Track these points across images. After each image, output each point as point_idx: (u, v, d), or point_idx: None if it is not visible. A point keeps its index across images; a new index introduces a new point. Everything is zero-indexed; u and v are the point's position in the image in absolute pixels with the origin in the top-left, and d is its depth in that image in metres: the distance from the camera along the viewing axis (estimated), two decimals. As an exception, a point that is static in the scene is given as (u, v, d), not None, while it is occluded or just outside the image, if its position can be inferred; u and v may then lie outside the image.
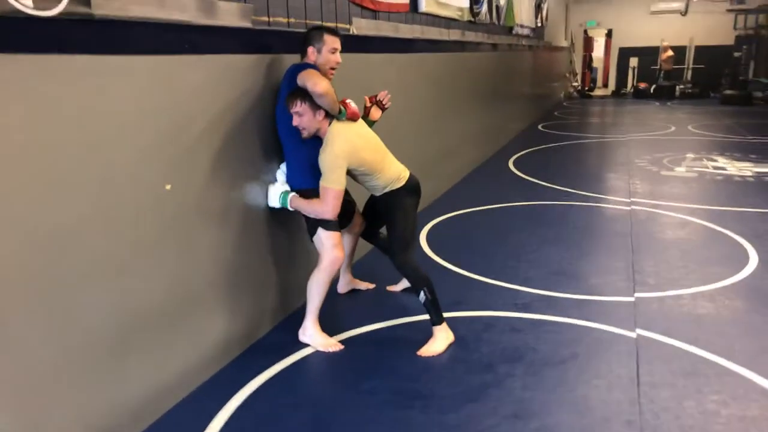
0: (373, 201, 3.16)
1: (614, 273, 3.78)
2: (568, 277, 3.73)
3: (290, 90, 2.69)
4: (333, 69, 2.85)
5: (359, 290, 3.56)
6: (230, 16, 2.66)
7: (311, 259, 3.06)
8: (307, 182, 2.84)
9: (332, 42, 2.80)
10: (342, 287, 3.52)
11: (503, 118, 9.04)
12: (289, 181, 2.91)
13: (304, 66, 2.73)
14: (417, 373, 2.67)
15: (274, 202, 2.88)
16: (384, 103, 3.16)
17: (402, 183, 2.95)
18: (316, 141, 2.77)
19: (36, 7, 1.75)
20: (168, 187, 2.33)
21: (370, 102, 3.15)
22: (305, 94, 2.65)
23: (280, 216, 3.06)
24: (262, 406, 2.44)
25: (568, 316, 3.18)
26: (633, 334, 2.96)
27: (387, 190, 2.94)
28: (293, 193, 2.86)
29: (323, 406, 2.47)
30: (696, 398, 2.44)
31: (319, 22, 3.46)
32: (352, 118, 2.81)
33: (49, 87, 1.83)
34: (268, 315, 3.10)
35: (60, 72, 1.86)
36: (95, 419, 2.07)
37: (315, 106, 2.66)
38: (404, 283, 3.50)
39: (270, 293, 3.11)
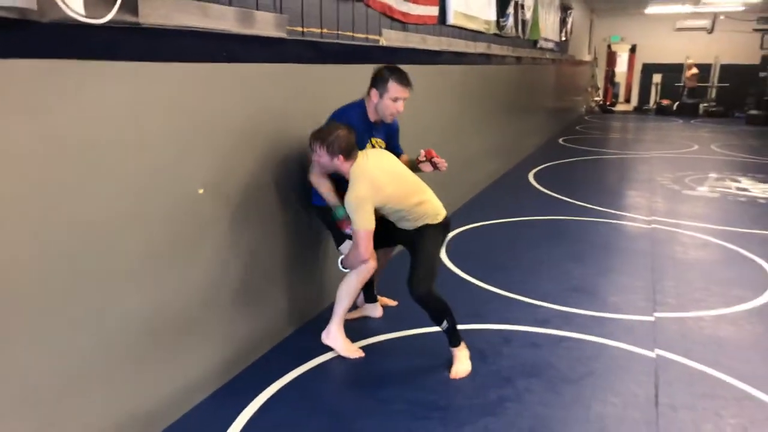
0: (394, 227, 2.91)
1: (634, 292, 3.78)
2: (587, 294, 3.73)
3: (318, 129, 2.73)
4: (392, 115, 2.86)
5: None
6: (266, 26, 2.72)
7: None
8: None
9: (396, 92, 2.78)
10: (362, 302, 3.49)
11: (525, 130, 9.04)
12: (314, 199, 2.97)
13: (342, 115, 2.84)
14: (435, 384, 2.70)
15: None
16: (439, 166, 3.02)
17: (439, 220, 2.84)
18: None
19: (87, 15, 1.82)
20: (201, 191, 2.39)
21: (426, 157, 3.02)
22: (325, 138, 2.66)
23: (311, 218, 3.11)
24: (280, 411, 2.49)
25: (587, 333, 3.19)
26: (652, 354, 2.96)
27: (420, 224, 2.81)
28: (341, 256, 2.88)
29: (340, 413, 2.51)
30: (714, 421, 2.44)
31: (350, 33, 3.52)
32: None
33: (97, 90, 1.91)
34: (293, 316, 3.16)
35: (107, 77, 1.93)
36: (109, 421, 2.13)
37: (334, 153, 2.65)
38: (364, 310, 3.38)
39: (296, 295, 3.16)
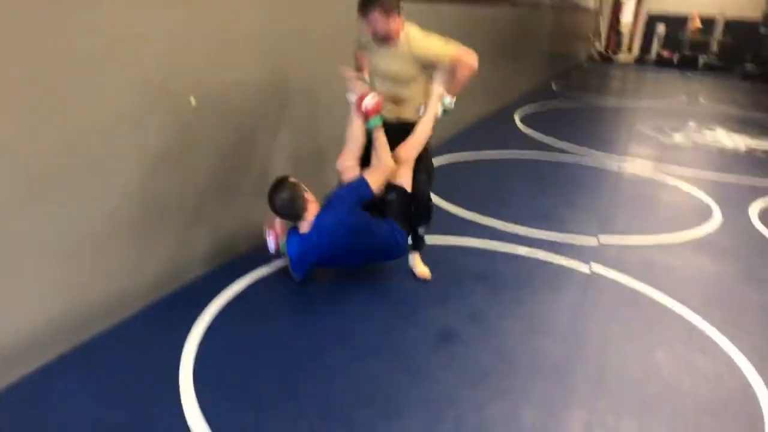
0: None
1: (587, 221, 4.18)
2: (545, 220, 4.13)
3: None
4: None
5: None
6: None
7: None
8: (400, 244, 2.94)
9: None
10: None
11: (517, 72, 9.23)
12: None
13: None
14: (396, 282, 3.12)
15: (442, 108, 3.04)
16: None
17: None
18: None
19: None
20: (192, 101, 2.73)
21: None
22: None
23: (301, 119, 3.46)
24: (255, 298, 2.92)
25: (536, 249, 3.60)
26: (588, 270, 3.38)
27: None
28: (446, 101, 3.01)
29: (313, 294, 2.93)
30: (624, 320, 2.88)
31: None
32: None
33: None
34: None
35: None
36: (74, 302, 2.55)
37: (397, 11, 2.77)
38: None
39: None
